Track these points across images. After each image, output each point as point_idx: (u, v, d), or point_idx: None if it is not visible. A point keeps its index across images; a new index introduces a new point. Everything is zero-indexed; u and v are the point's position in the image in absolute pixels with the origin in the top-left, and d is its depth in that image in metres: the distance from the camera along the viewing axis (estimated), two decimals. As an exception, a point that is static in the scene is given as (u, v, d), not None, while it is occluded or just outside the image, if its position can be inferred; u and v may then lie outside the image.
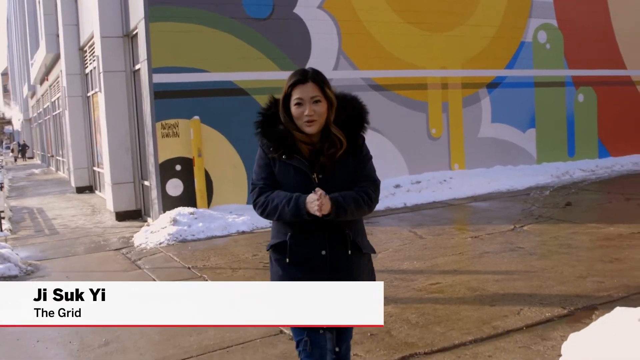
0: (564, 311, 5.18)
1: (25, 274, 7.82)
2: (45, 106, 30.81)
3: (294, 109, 2.86)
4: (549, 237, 8.28)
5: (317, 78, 2.87)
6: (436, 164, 13.53)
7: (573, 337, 3.98)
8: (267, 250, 3.06)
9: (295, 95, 2.85)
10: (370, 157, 3.02)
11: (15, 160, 49.69)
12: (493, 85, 14.40)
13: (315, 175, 2.87)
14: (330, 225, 2.86)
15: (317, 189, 2.76)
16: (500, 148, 14.53)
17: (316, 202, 2.72)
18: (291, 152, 2.88)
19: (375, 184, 2.98)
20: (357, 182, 2.93)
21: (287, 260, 2.90)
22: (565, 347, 3.94)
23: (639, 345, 3.42)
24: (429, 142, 13.53)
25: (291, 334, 3.36)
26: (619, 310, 3.91)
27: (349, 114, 2.94)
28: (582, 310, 5.18)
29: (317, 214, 2.73)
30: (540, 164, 15.10)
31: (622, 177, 14.37)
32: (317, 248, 2.88)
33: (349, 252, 2.90)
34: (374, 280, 3.09)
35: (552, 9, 15.30)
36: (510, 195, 12.17)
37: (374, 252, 3.09)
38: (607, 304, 5.14)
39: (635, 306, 4.05)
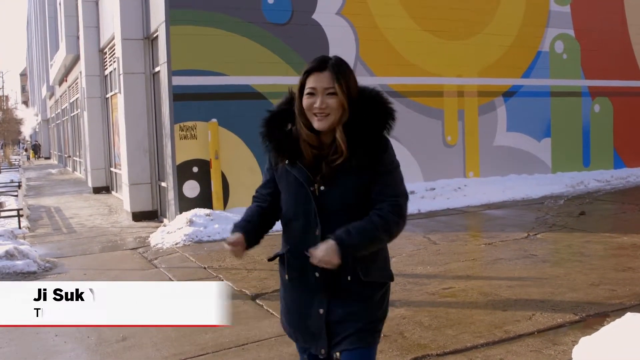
0: (576, 317, 5.22)
1: (43, 271, 7.95)
2: (63, 107, 31.11)
3: (304, 99, 2.49)
4: (563, 245, 8.32)
5: (337, 68, 2.48)
6: (451, 171, 13.58)
7: (584, 341, 4.03)
8: (268, 260, 2.76)
9: (309, 84, 2.48)
10: (395, 168, 2.54)
11: (28, 159, 50.74)
12: (509, 94, 14.43)
13: (315, 187, 2.49)
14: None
15: (311, 250, 2.39)
16: (516, 157, 14.55)
17: (229, 250, 2.53)
18: (293, 157, 2.52)
19: (397, 202, 2.49)
20: (375, 202, 2.49)
21: (287, 277, 2.64)
22: (576, 351, 3.99)
23: (648, 349, 3.47)
24: (444, 150, 13.59)
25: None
26: (629, 316, 3.96)
27: (367, 114, 2.49)
28: (594, 317, 5.21)
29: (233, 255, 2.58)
30: (555, 173, 15.10)
31: (637, 188, 14.33)
32: (310, 268, 2.50)
33: (349, 277, 2.50)
34: (380, 312, 2.65)
35: (570, 19, 15.32)
36: (524, 203, 12.19)
37: (391, 279, 2.65)
38: (619, 312, 5.15)
39: (646, 313, 4.10)
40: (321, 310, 2.55)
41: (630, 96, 16.62)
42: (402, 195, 2.53)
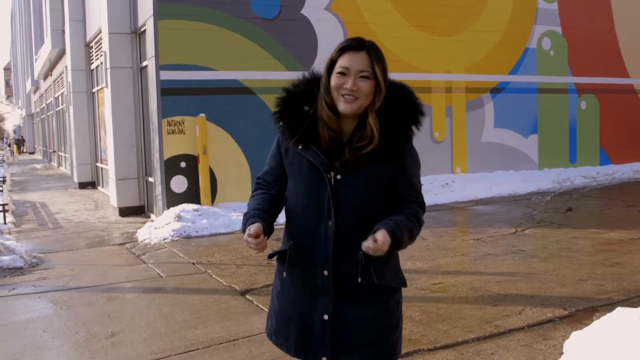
0: (565, 312, 5.25)
1: (30, 266, 7.88)
2: (48, 101, 30.89)
3: (334, 78, 2.26)
4: (550, 241, 8.36)
5: (374, 50, 2.28)
6: (439, 167, 13.61)
7: (575, 335, 4.04)
8: (269, 257, 2.53)
9: (341, 63, 2.26)
10: (419, 166, 2.43)
11: (12, 154, 50.44)
12: (497, 90, 14.48)
13: (332, 174, 2.27)
14: (340, 238, 2.28)
15: (378, 232, 2.13)
16: (503, 153, 14.62)
17: (252, 244, 2.20)
18: (308, 139, 2.30)
19: (423, 206, 2.39)
20: (402, 202, 2.34)
21: (284, 274, 2.39)
22: (567, 345, 4.00)
23: (639, 343, 3.49)
24: (432, 146, 13.61)
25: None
26: (619, 310, 3.97)
27: (395, 104, 2.33)
28: (583, 312, 5.24)
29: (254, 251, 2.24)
30: (541, 169, 15.20)
31: (622, 184, 14.45)
32: (319, 266, 2.30)
33: (359, 279, 2.26)
34: (393, 321, 2.41)
35: (557, 16, 15.40)
36: (511, 199, 12.24)
37: (403, 284, 2.43)
38: (608, 306, 5.19)
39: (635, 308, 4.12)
40: (326, 316, 2.32)
41: (617, 93, 16.74)
42: (422, 199, 2.42)
